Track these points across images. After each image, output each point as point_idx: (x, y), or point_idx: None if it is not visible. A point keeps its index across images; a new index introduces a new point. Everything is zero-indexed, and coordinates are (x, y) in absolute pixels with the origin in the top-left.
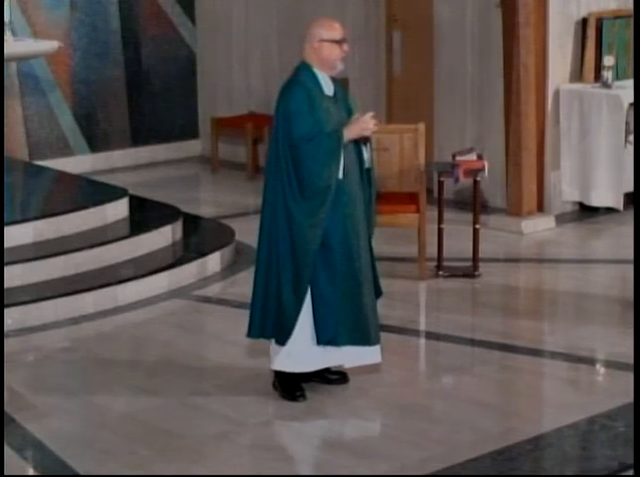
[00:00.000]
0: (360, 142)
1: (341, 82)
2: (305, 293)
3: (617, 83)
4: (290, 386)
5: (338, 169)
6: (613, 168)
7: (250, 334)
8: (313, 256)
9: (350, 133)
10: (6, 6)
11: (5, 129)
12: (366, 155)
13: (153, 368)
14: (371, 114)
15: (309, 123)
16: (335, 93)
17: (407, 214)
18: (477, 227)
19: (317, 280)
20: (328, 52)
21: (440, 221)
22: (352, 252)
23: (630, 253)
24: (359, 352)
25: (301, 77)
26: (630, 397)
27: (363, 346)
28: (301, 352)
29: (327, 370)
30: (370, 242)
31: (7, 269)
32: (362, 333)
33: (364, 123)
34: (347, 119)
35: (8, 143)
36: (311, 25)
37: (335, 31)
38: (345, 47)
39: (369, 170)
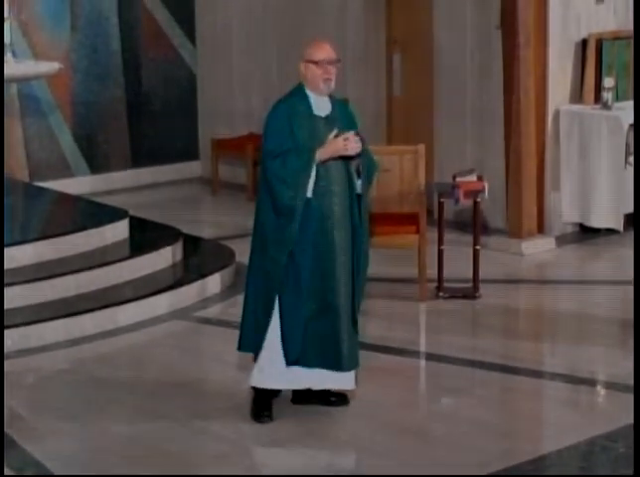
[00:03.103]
0: (349, 165)
1: (346, 104)
2: (271, 309)
3: (617, 105)
4: (260, 405)
5: (305, 189)
6: (613, 189)
7: (238, 347)
8: (280, 273)
9: (324, 154)
10: (7, 28)
11: (5, 150)
12: (357, 180)
13: (153, 389)
14: (349, 134)
15: (279, 140)
16: (331, 114)
17: (408, 235)
18: (477, 248)
19: (285, 298)
20: (311, 73)
21: (440, 242)
22: (325, 274)
23: (630, 275)
24: (330, 376)
25: (290, 96)
26: (630, 419)
27: (333, 371)
28: (271, 369)
29: (327, 391)
30: (357, 268)
31: (7, 290)
32: (333, 357)
33: (337, 144)
34: None
35: (8, 164)
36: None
37: (320, 52)
38: (330, 68)
39: (359, 196)
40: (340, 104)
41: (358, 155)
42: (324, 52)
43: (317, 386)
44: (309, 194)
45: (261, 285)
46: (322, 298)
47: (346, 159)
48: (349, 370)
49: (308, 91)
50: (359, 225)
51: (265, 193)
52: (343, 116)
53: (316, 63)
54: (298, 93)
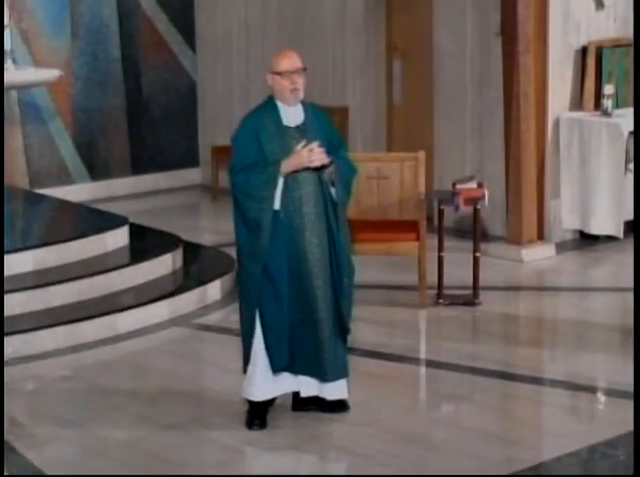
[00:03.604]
0: (321, 175)
1: (321, 112)
2: (253, 322)
3: (617, 112)
4: (252, 413)
5: (271, 202)
6: (613, 196)
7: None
8: (256, 287)
9: (288, 166)
10: (7, 35)
11: (6, 157)
12: (332, 189)
13: (153, 396)
14: (313, 146)
15: (243, 155)
16: (303, 124)
17: (408, 242)
18: (477, 255)
19: (266, 310)
20: (277, 84)
21: (440, 249)
22: (302, 284)
23: (630, 281)
24: (317, 384)
25: (259, 108)
26: (631, 426)
27: (317, 379)
28: (259, 381)
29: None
30: (339, 278)
31: (7, 297)
32: (317, 366)
33: (301, 156)
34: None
35: (9, 171)
36: None
37: (283, 63)
38: (295, 78)
39: (336, 205)
40: (314, 111)
41: (330, 163)
42: (288, 62)
43: (306, 392)
44: (277, 206)
45: (243, 299)
46: (302, 309)
47: (318, 169)
48: (332, 380)
49: (278, 102)
50: (336, 232)
51: (236, 207)
52: (318, 124)
53: (280, 74)
54: (268, 105)
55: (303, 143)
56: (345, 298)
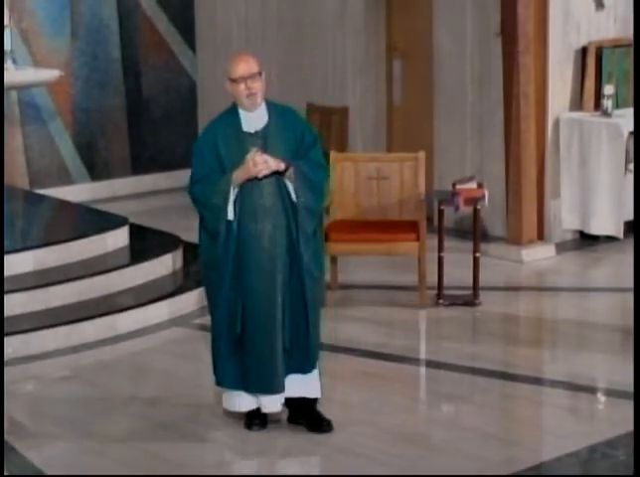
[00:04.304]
0: (281, 180)
1: (289, 112)
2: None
3: (617, 112)
4: (250, 414)
5: (223, 213)
6: (613, 196)
7: None
8: (214, 293)
9: (237, 177)
10: (7, 35)
11: (5, 158)
12: (292, 194)
13: (153, 397)
14: (253, 152)
15: (198, 165)
16: (263, 129)
17: (408, 242)
18: (477, 255)
19: (216, 321)
20: (234, 90)
21: (440, 249)
22: (250, 297)
23: (630, 282)
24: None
25: (222, 114)
26: (631, 426)
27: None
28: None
29: (317, 415)
30: (302, 289)
31: (7, 298)
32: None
33: (247, 167)
34: (280, 154)
35: (8, 171)
36: None
37: (237, 69)
38: (251, 83)
39: (297, 211)
40: (280, 113)
41: (286, 169)
42: (241, 67)
43: (268, 408)
44: (230, 216)
45: (210, 307)
46: (247, 322)
47: (278, 173)
48: (271, 393)
49: (239, 108)
50: (296, 241)
51: (199, 216)
52: (283, 126)
53: (235, 80)
54: (230, 111)
55: (252, 151)
56: (310, 312)
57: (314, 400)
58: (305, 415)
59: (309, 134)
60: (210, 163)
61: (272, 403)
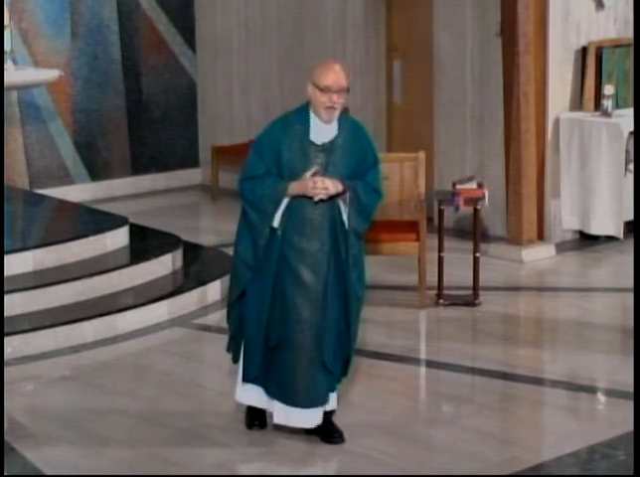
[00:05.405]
0: (335, 201)
1: (360, 129)
2: (242, 328)
3: (617, 112)
4: (251, 414)
5: (271, 218)
6: (613, 196)
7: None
8: (240, 288)
9: (293, 190)
10: (7, 35)
11: (6, 158)
12: (344, 216)
13: (153, 396)
14: (317, 179)
15: (255, 163)
16: (330, 142)
17: (408, 242)
18: (477, 255)
19: (247, 322)
20: (314, 97)
21: (441, 249)
22: (286, 308)
23: (630, 282)
24: (285, 410)
25: (293, 113)
26: (631, 426)
27: (286, 405)
28: (239, 381)
29: (327, 423)
30: (347, 311)
31: (7, 298)
32: (287, 391)
33: (305, 185)
34: (339, 174)
35: (8, 172)
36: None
37: (326, 78)
38: (335, 97)
39: (347, 234)
40: (351, 128)
41: (344, 191)
42: (331, 78)
43: (276, 418)
44: (276, 224)
45: (230, 298)
46: (282, 333)
47: (331, 196)
48: (305, 407)
49: (312, 113)
50: (345, 262)
51: (243, 209)
52: (350, 143)
53: (321, 89)
54: (301, 113)
55: (312, 170)
56: (351, 333)
57: (331, 412)
58: (320, 426)
59: (372, 155)
60: (267, 163)
61: (302, 417)
